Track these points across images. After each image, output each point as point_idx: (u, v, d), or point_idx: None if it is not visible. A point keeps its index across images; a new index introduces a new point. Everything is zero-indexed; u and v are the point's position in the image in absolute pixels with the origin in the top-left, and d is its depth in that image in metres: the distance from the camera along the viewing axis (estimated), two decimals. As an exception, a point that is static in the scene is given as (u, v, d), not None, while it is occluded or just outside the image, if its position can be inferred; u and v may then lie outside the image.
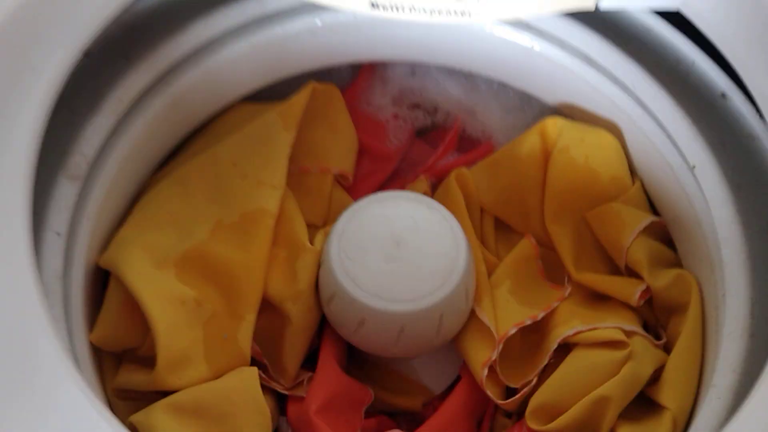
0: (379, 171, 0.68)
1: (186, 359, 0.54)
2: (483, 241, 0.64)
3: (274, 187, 0.60)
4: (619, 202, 0.62)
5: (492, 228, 0.65)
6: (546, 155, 0.63)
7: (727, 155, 0.58)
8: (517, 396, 0.58)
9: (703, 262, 0.58)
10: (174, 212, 0.59)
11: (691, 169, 0.59)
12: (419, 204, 0.59)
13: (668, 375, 0.56)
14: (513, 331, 0.58)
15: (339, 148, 0.66)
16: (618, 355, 0.56)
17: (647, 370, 0.56)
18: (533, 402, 0.57)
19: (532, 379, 0.58)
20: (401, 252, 0.57)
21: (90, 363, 0.53)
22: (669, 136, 0.60)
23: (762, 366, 0.47)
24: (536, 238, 0.64)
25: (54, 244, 0.53)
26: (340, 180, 0.66)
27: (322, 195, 0.64)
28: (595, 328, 0.57)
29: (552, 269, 0.63)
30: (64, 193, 0.55)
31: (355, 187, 0.67)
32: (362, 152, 0.68)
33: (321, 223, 0.63)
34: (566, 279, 0.62)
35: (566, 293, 0.61)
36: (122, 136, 0.58)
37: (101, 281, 0.58)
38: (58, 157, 0.55)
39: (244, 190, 0.60)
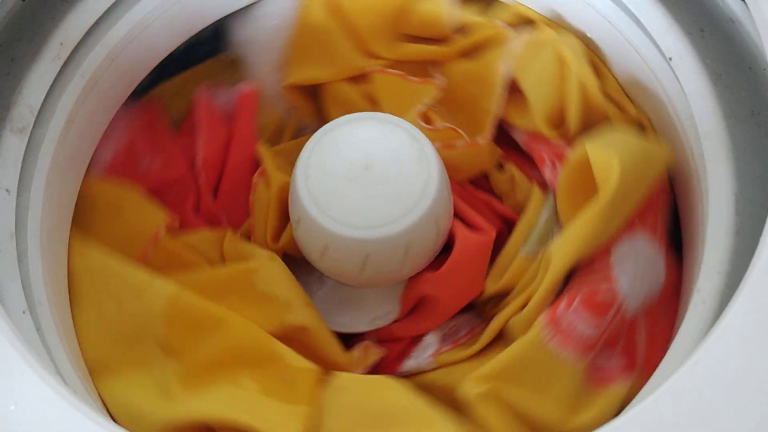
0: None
1: None
2: None
3: None
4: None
5: None
6: None
7: (706, 43, 0.55)
8: None
9: (684, 159, 0.55)
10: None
11: (668, 61, 0.55)
12: (392, 126, 0.56)
13: None
14: None
15: None
16: None
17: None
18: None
19: None
20: (369, 177, 0.54)
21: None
22: (642, 28, 0.57)
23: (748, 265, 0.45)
24: None
25: (4, 201, 0.51)
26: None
27: None
28: None
29: None
30: (10, 147, 0.52)
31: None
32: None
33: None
34: None
35: None
36: (69, 82, 0.56)
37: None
38: (1, 110, 0.53)
39: None
